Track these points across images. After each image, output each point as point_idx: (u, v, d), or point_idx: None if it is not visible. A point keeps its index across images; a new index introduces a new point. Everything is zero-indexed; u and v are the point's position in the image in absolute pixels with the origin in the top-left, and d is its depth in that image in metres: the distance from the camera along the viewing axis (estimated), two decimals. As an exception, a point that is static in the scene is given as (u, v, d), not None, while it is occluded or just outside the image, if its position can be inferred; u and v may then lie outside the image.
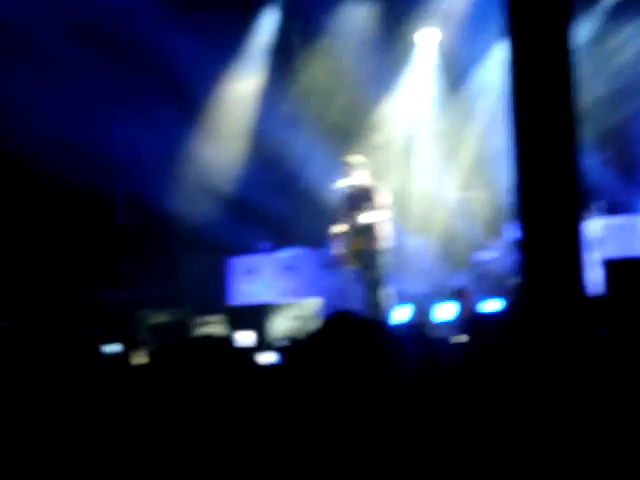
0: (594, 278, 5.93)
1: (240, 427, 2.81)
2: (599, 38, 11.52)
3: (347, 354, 2.74)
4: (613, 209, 10.76)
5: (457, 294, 9.63)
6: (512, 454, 2.50)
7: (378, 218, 9.61)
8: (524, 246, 5.18)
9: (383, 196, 9.69)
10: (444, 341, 3.85)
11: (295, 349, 4.02)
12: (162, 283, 12.09)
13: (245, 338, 9.47)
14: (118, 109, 11.67)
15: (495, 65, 11.67)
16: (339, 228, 9.79)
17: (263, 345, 9.01)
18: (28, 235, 11.32)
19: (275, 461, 2.65)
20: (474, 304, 9.51)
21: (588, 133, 7.85)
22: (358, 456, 2.57)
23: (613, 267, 7.16)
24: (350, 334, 2.82)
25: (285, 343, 8.18)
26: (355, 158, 9.94)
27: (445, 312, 9.65)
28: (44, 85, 10.61)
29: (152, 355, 4.48)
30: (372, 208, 9.59)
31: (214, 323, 10.36)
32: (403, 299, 10.04)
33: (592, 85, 10.83)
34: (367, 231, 9.62)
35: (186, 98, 11.93)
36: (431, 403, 2.69)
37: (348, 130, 12.26)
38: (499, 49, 11.45)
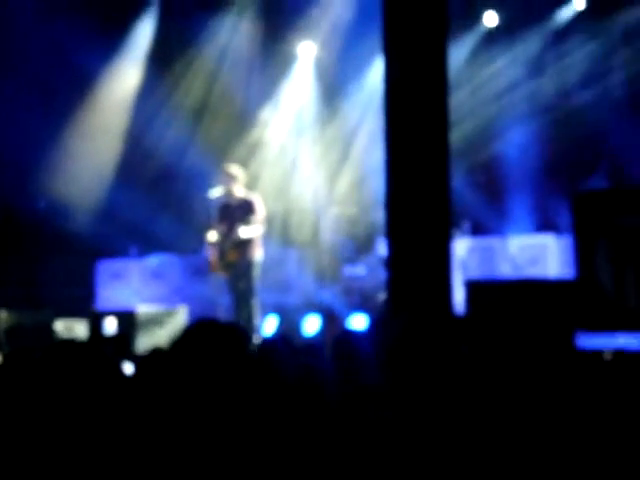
0: (455, 298, 6.05)
1: (92, 437, 2.75)
2: (473, 65, 11.84)
3: (210, 362, 2.71)
4: (476, 230, 11.02)
5: (326, 316, 9.69)
6: (380, 467, 2.52)
7: (256, 233, 9.60)
8: (392, 263, 5.25)
9: (260, 210, 9.69)
10: (314, 354, 3.87)
11: (151, 358, 3.95)
12: (24, 284, 11.76)
13: (111, 325, 9.32)
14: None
15: (373, 82, 11.84)
16: (213, 236, 9.73)
17: (127, 352, 8.85)
18: None
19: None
20: (341, 324, 9.58)
21: (458, 155, 8.05)
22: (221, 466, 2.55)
23: (474, 288, 7.32)
24: (213, 342, 2.78)
25: (144, 352, 8.04)
26: (233, 168, 9.91)
27: (311, 326, 9.71)
28: None
29: (6, 358, 4.32)
30: (250, 222, 9.56)
31: (76, 327, 10.13)
32: (269, 310, 10.04)
33: (466, 110, 11.11)
34: (243, 243, 9.59)
35: (59, 95, 11.66)
36: (300, 415, 2.69)
37: (226, 137, 12.23)
38: (376, 65, 11.64)
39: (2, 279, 11.53)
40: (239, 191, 9.79)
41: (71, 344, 3.01)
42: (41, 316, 10.22)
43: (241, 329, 2.88)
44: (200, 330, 2.78)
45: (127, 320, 9.55)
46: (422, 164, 5.10)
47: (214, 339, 2.75)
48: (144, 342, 9.32)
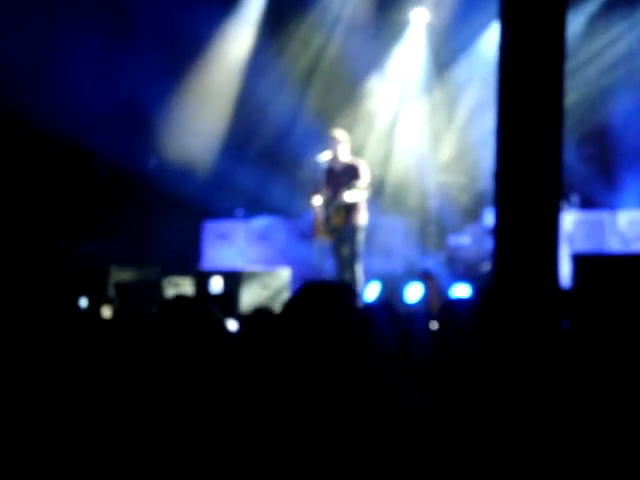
0: (562, 271, 5.94)
1: (204, 395, 2.81)
2: (590, 33, 11.54)
3: (324, 321, 2.74)
4: (585, 204, 10.81)
5: (423, 277, 9.66)
6: (478, 440, 2.52)
7: (361, 197, 9.63)
8: (499, 233, 5.20)
9: (366, 175, 9.70)
10: (415, 322, 3.88)
11: (256, 317, 4.01)
12: (136, 240, 12.05)
13: (217, 284, 9.49)
14: (106, 68, 11.58)
15: (485, 50, 11.66)
16: (318, 201, 9.79)
17: (232, 311, 9.02)
18: (4, 187, 11.26)
19: (241, 433, 2.65)
20: (440, 288, 9.54)
21: (569, 126, 7.88)
22: (328, 429, 2.59)
23: (581, 262, 7.19)
24: (326, 301, 2.81)
25: (248, 311, 8.16)
26: (340, 133, 9.92)
27: (413, 294, 9.70)
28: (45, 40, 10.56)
29: (116, 313, 4.46)
30: (356, 186, 9.59)
31: (183, 285, 10.35)
32: (373, 277, 10.06)
33: (580, 79, 10.86)
34: (348, 208, 9.63)
35: (171, 57, 11.84)
36: (401, 383, 2.71)
37: (333, 104, 12.23)
38: (490, 34, 11.46)
39: (113, 235, 11.85)
40: (345, 156, 9.81)
41: (180, 300, 3.09)
42: (149, 273, 10.48)
43: (349, 289, 2.91)
44: (312, 290, 2.81)
45: (232, 280, 9.72)
46: (534, 134, 5.02)
47: (324, 299, 2.78)
48: (248, 301, 9.48)
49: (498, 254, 5.15)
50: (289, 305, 2.80)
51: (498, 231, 5.17)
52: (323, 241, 9.94)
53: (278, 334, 2.78)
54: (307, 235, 10.43)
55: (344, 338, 2.70)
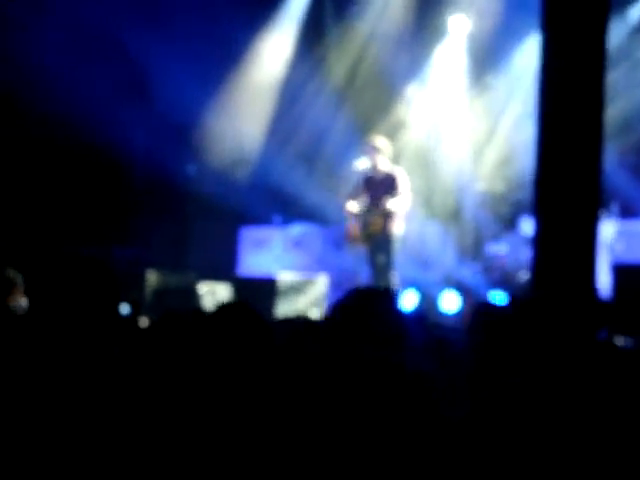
0: (601, 282, 5.88)
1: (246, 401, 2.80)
2: (633, 41, 11.42)
3: (371, 326, 2.73)
4: (626, 213, 10.68)
5: (464, 293, 9.62)
6: (509, 450, 2.49)
7: (403, 206, 9.59)
8: (538, 242, 5.17)
9: (405, 184, 9.66)
10: (450, 330, 3.83)
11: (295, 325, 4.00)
12: (171, 246, 12.10)
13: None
14: (145, 75, 11.65)
15: (525, 60, 11.59)
16: (353, 207, 9.77)
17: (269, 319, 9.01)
18: (42, 192, 11.35)
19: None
20: (477, 299, 9.48)
21: (610, 134, 7.80)
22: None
23: (622, 272, 7.11)
24: (374, 306, 2.81)
25: (287, 319, 8.15)
26: (378, 140, 9.89)
27: (450, 303, 9.64)
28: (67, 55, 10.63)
29: (156, 320, 4.46)
30: (395, 195, 9.56)
31: (220, 291, 10.37)
32: (410, 285, 10.02)
33: (621, 86, 10.73)
34: (387, 216, 9.59)
35: (212, 64, 11.88)
36: (437, 391, 2.69)
37: (372, 111, 12.21)
38: (531, 43, 11.38)
39: (152, 240, 11.91)
40: (384, 164, 9.78)
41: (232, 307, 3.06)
42: (186, 278, 10.52)
43: (392, 295, 2.90)
44: (360, 296, 2.81)
45: (268, 287, 9.73)
46: (574, 143, 4.98)
47: (372, 305, 2.77)
48: (284, 309, 9.47)
49: (537, 263, 5.11)
50: (337, 310, 2.80)
51: (538, 240, 5.14)
52: (357, 247, 9.92)
53: (323, 339, 2.77)
54: (343, 242, 10.42)
55: (384, 344, 2.70)
